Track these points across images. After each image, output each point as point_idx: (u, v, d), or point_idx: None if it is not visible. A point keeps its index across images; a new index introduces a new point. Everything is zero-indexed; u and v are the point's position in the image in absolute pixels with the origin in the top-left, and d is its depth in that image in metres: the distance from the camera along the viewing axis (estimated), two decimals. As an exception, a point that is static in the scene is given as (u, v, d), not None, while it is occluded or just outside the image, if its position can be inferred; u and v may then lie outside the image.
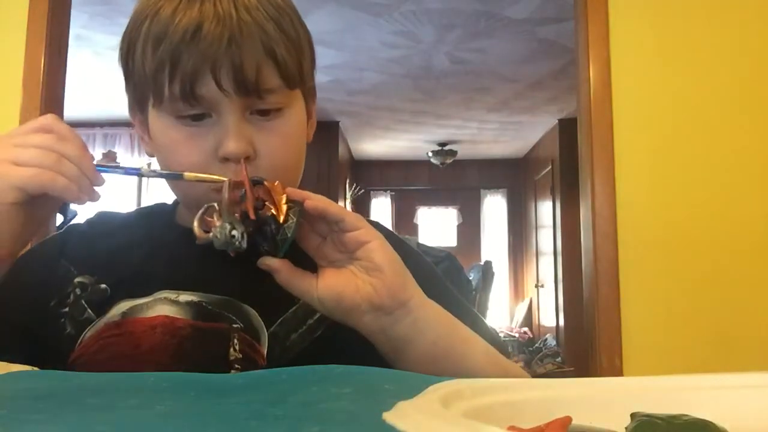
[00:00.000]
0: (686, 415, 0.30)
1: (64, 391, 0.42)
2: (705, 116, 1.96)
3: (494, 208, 7.40)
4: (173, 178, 0.60)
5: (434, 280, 0.72)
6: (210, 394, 0.42)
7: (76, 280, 0.66)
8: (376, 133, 6.01)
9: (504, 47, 3.78)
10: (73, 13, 2.15)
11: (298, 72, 0.63)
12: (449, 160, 6.54)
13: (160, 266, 0.67)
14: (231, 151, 0.59)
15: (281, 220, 0.53)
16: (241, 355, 0.60)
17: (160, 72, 0.59)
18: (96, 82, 4.35)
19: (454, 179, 7.22)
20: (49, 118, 0.56)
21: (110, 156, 5.54)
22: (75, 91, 4.17)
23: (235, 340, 0.61)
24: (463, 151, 6.60)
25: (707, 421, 0.29)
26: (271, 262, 0.55)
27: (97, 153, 5.48)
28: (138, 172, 0.59)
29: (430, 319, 0.57)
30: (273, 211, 0.53)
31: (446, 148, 6.47)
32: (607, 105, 1.95)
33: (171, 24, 0.58)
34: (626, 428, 0.30)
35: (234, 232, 0.54)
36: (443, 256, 0.85)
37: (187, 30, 0.58)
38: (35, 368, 0.64)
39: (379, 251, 0.55)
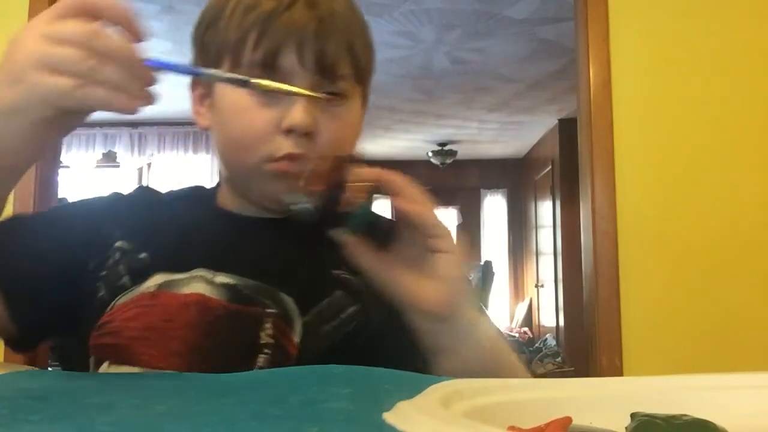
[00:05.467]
0: (686, 415, 0.30)
1: (64, 391, 0.42)
2: (705, 116, 1.96)
3: (494, 208, 7.40)
4: (237, 83, 0.55)
5: None
6: (210, 394, 0.42)
7: (117, 244, 0.66)
8: (376, 133, 6.01)
9: (504, 47, 3.78)
10: (73, 13, 2.15)
11: (367, 70, 0.68)
12: (449, 160, 6.54)
13: (199, 246, 0.67)
14: (297, 122, 0.61)
15: (349, 209, 0.53)
16: (272, 341, 0.60)
17: (245, 38, 0.61)
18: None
19: (454, 179, 7.22)
20: None
21: (110, 156, 5.54)
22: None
23: (268, 325, 0.61)
24: (463, 151, 6.60)
25: (707, 421, 0.29)
26: (338, 236, 0.56)
27: (97, 153, 5.48)
28: (200, 72, 0.56)
29: (472, 341, 0.57)
30: (348, 194, 0.53)
31: (446, 148, 6.47)
32: (607, 105, 1.95)
33: None
34: (626, 428, 0.30)
35: (301, 207, 0.55)
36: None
37: (280, 3, 0.61)
38: (35, 368, 0.64)
39: (454, 268, 0.55)
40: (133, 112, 0.46)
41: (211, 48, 0.65)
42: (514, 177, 7.21)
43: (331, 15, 0.63)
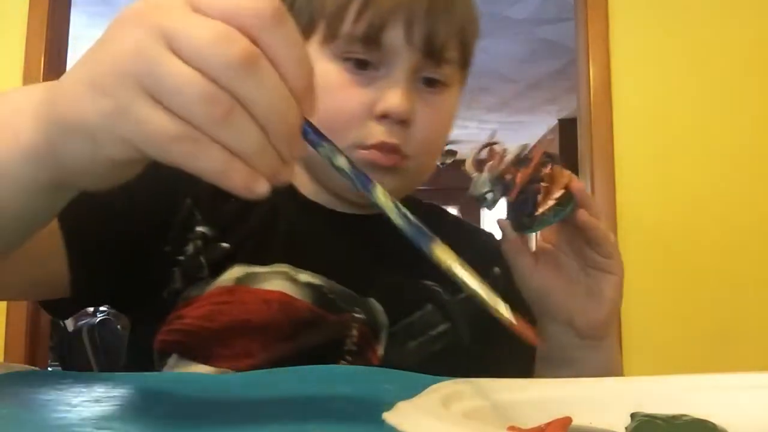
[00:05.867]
0: (686, 415, 0.30)
1: (63, 391, 0.42)
2: (705, 116, 1.95)
3: (494, 207, 7.40)
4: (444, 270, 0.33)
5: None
6: (210, 394, 0.42)
7: (198, 229, 0.58)
8: (376, 133, 6.01)
9: (504, 47, 3.77)
10: (73, 13, 2.15)
11: (472, 56, 0.62)
12: (449, 160, 6.54)
13: (280, 237, 0.60)
14: (394, 107, 0.55)
15: (539, 210, 0.51)
16: (355, 348, 0.57)
17: (346, 7, 0.55)
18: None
19: (454, 179, 7.22)
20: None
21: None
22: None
23: (354, 332, 0.57)
24: (463, 151, 6.60)
25: (707, 421, 0.29)
26: (507, 230, 0.54)
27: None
28: (368, 185, 0.33)
29: (601, 361, 0.56)
30: (540, 197, 0.51)
31: (446, 147, 6.47)
32: (607, 105, 1.95)
33: None
34: (626, 428, 0.30)
35: (488, 195, 0.51)
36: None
37: None
38: (36, 368, 0.64)
39: (614, 289, 0.53)
40: (253, 194, 0.29)
41: (303, 14, 0.57)
42: (514, 177, 7.21)
43: None
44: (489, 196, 0.51)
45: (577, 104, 2.07)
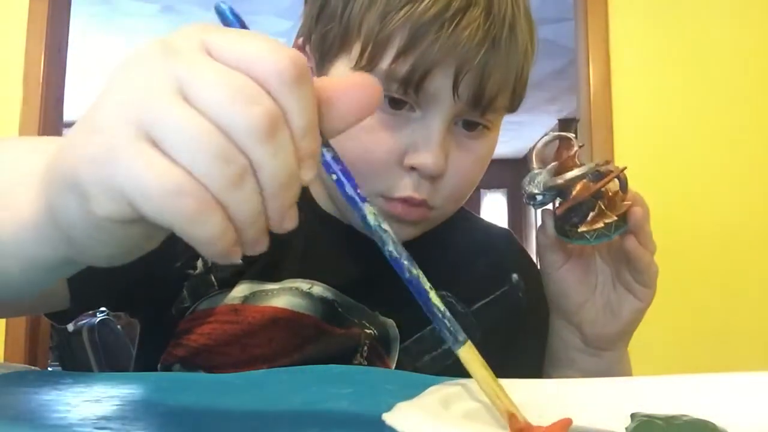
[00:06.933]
0: (686, 415, 0.30)
1: (63, 391, 0.42)
2: (704, 116, 1.95)
3: (494, 207, 7.40)
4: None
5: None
6: (210, 394, 0.42)
7: None
8: (376, 133, 6.00)
9: (504, 47, 3.78)
10: (73, 12, 2.15)
11: (521, 101, 0.55)
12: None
13: (296, 251, 0.57)
14: (427, 164, 0.49)
15: (582, 228, 0.50)
16: (366, 363, 0.56)
17: (389, 39, 0.47)
18: (96, 82, 4.35)
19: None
20: (274, 52, 0.25)
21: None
22: (75, 91, 4.16)
23: (365, 348, 0.56)
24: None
25: (707, 421, 0.29)
26: (548, 224, 0.53)
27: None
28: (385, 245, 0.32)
29: (600, 369, 0.58)
30: (592, 214, 0.50)
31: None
32: (607, 105, 1.95)
33: None
34: (626, 428, 0.30)
35: (538, 197, 0.49)
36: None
37: (450, 7, 0.46)
38: (36, 368, 0.63)
39: (634, 313, 0.54)
40: (229, 260, 0.26)
41: (334, 25, 0.50)
42: (514, 177, 7.20)
43: (510, 34, 0.49)
44: (538, 198, 0.49)
45: (577, 104, 2.07)
